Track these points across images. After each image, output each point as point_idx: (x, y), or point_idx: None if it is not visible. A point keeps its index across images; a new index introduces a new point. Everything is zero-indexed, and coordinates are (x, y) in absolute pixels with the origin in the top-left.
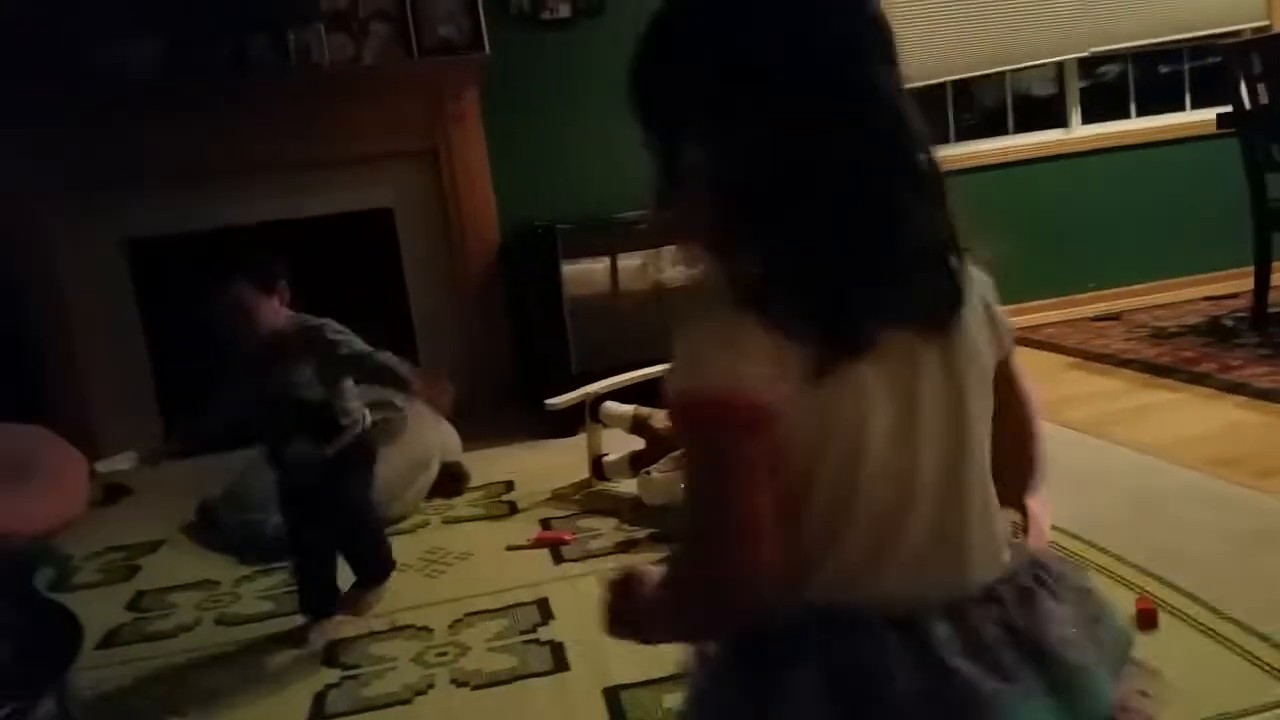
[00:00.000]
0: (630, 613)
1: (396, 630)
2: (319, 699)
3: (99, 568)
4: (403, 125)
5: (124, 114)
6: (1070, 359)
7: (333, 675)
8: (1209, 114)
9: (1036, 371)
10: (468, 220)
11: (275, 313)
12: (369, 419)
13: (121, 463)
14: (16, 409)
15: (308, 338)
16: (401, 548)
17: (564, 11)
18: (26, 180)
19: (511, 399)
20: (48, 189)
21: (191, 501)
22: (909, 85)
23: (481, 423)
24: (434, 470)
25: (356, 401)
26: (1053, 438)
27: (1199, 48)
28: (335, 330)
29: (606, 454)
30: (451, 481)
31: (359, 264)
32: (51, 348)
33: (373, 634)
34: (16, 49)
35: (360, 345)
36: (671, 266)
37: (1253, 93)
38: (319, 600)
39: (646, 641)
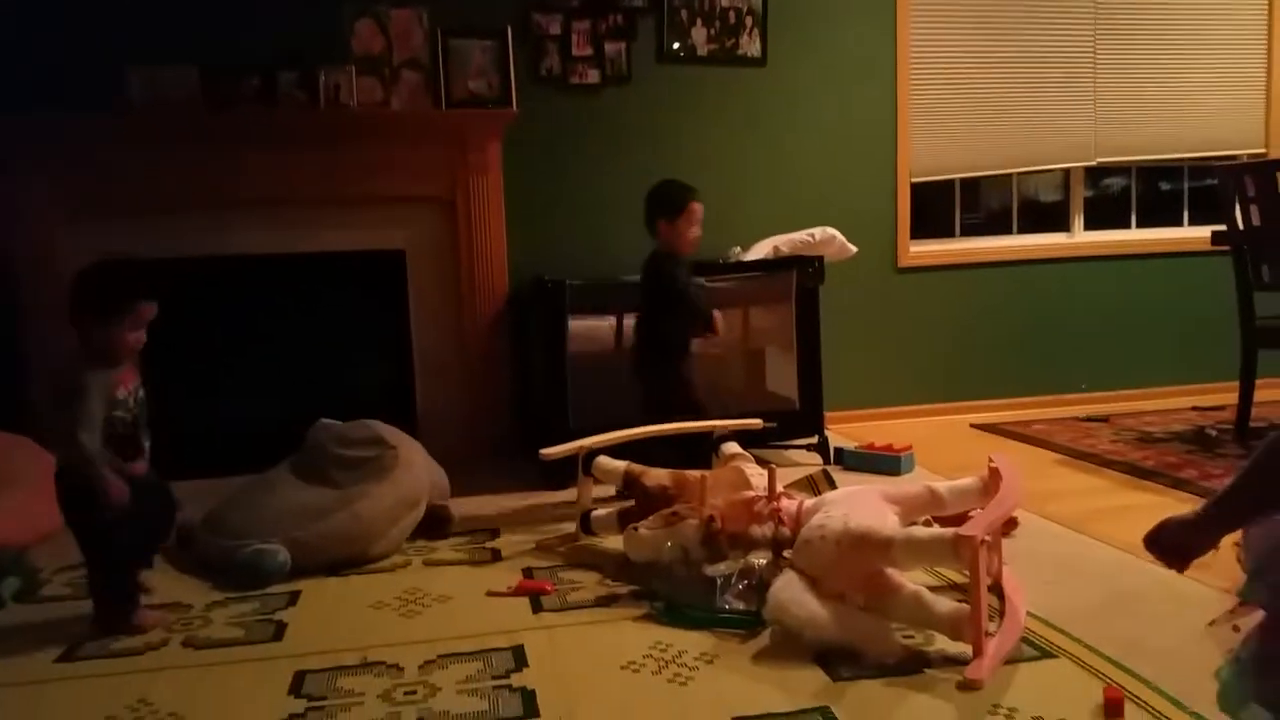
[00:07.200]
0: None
1: (367, 666)
2: None
3: (68, 581)
4: (424, 172)
5: (154, 138)
6: (1057, 456)
7: (298, 705)
8: (1204, 231)
9: (1024, 465)
10: (478, 269)
11: None
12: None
13: None
14: (4, 418)
15: None
16: (380, 586)
17: (592, 78)
18: (42, 195)
19: (508, 449)
20: (60, 206)
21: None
22: (918, 180)
23: (475, 469)
24: (421, 510)
25: None
26: (1035, 531)
27: (1199, 168)
28: None
29: (595, 509)
30: (437, 524)
31: (367, 302)
32: (43, 363)
33: (342, 668)
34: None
35: None
36: None
37: (1246, 214)
38: None
39: None
